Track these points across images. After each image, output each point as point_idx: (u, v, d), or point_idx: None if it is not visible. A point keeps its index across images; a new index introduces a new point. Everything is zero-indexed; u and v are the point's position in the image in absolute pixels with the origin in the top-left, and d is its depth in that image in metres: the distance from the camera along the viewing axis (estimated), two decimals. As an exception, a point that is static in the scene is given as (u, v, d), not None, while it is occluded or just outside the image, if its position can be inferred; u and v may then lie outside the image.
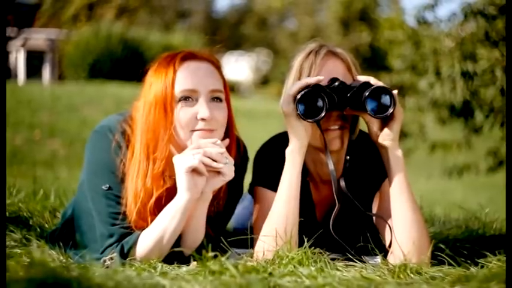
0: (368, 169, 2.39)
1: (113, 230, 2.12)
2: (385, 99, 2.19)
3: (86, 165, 2.21)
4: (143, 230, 2.12)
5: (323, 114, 2.16)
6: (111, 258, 2.07)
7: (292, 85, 2.21)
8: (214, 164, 2.07)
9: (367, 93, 2.17)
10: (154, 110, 2.12)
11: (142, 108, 2.16)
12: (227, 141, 2.17)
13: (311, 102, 2.17)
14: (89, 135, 2.23)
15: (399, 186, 2.19)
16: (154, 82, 2.15)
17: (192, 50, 2.20)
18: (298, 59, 2.32)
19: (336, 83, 2.22)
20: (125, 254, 2.08)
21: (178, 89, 2.12)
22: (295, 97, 2.17)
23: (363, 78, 2.25)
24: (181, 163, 2.06)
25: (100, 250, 2.12)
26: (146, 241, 2.09)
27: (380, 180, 2.34)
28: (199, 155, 2.05)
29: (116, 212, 2.13)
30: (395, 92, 2.19)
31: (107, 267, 2.03)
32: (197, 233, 2.16)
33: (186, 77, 2.13)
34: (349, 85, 2.23)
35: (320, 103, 2.17)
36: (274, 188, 2.23)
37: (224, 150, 2.10)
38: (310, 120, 2.17)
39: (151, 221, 2.12)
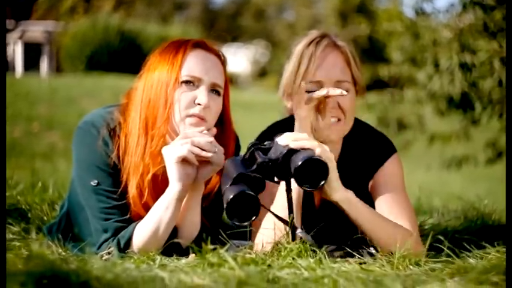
0: (362, 158, 2.39)
1: (106, 225, 2.12)
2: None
3: (74, 162, 2.21)
4: (140, 218, 2.12)
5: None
6: (109, 253, 2.07)
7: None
8: (203, 153, 2.06)
9: (296, 167, 1.96)
10: (156, 87, 2.13)
11: (143, 85, 2.16)
12: (214, 130, 2.16)
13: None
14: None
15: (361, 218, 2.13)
16: (159, 62, 2.16)
17: (204, 40, 2.23)
18: (298, 47, 2.31)
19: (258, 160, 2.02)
20: (122, 248, 2.08)
21: (185, 73, 2.14)
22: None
23: (282, 141, 2.05)
24: (170, 153, 2.06)
25: (96, 245, 2.12)
26: (142, 233, 2.09)
27: (373, 169, 2.34)
28: (188, 145, 2.04)
29: (107, 207, 2.13)
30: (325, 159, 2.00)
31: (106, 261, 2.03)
32: (193, 224, 2.16)
33: (195, 63, 2.15)
34: (269, 158, 2.02)
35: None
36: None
37: (212, 139, 2.09)
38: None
39: (146, 209, 2.12)
